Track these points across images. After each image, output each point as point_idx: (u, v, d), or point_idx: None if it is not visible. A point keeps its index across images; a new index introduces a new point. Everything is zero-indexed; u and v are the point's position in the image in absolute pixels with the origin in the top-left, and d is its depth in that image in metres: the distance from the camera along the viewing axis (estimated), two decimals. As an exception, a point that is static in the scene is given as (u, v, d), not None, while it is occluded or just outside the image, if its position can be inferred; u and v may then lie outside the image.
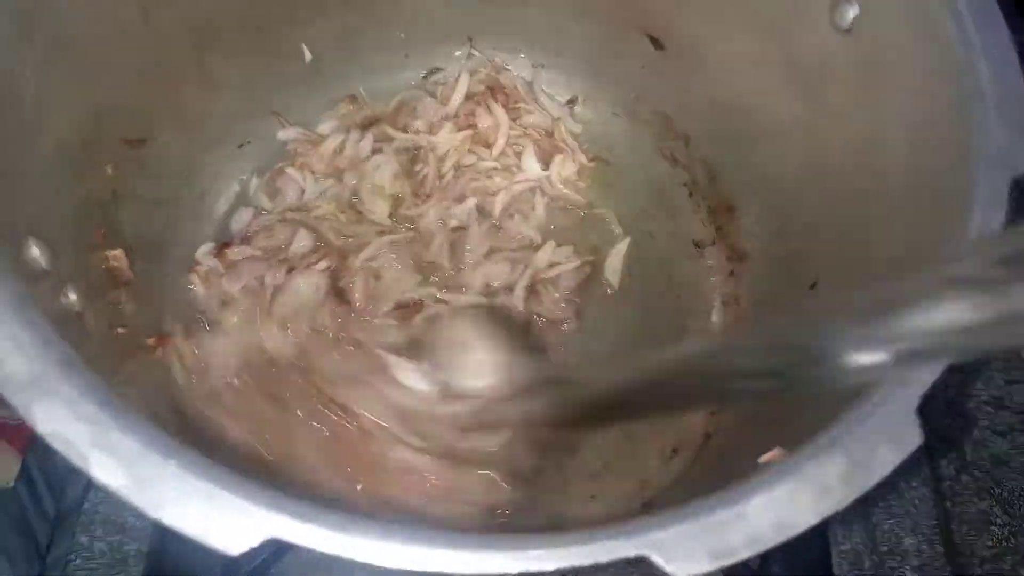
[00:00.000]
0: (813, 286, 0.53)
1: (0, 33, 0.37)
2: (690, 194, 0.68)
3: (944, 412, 0.71)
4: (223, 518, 0.27)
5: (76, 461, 0.28)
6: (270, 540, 0.27)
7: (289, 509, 0.27)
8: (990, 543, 0.67)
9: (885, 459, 0.30)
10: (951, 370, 0.33)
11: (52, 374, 0.29)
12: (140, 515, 0.62)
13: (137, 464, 0.28)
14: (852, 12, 0.47)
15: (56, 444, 0.28)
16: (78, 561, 0.63)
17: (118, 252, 0.49)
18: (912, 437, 0.31)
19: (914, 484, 0.68)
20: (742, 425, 0.53)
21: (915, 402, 0.31)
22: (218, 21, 0.56)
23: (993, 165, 0.37)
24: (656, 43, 0.64)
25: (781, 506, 0.29)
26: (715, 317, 0.63)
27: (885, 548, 0.61)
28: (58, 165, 0.43)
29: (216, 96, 0.60)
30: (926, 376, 0.32)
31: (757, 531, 0.28)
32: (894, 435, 0.31)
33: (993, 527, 0.68)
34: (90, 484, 0.67)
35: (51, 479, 0.94)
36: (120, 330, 0.47)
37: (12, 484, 0.86)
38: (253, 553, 0.27)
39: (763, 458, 0.33)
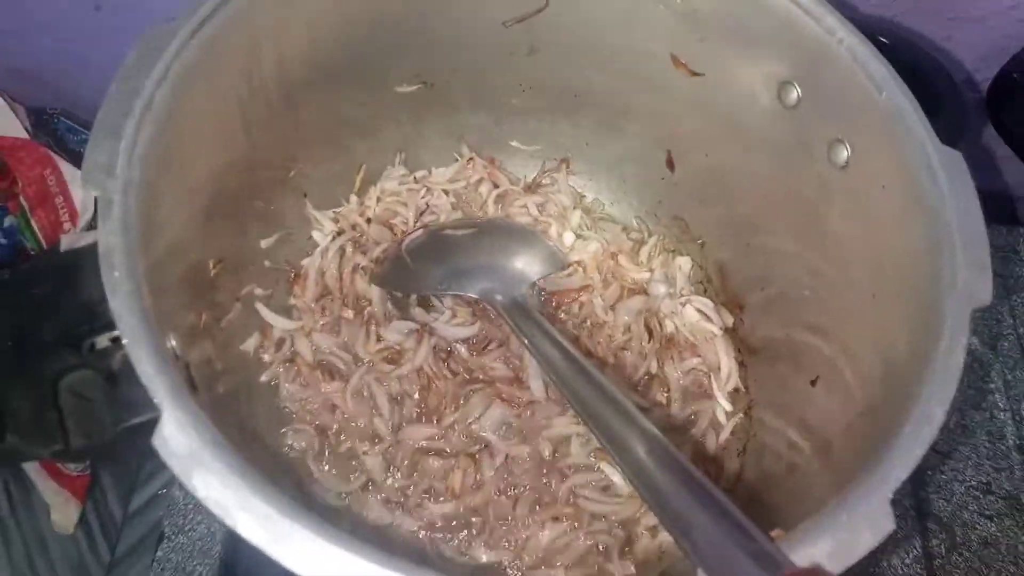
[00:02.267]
0: (814, 382, 0.61)
1: (147, 175, 0.46)
2: (705, 290, 0.77)
3: (937, 494, 0.78)
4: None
5: (226, 521, 0.36)
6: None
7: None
8: (977, 620, 0.73)
9: (865, 541, 0.38)
10: (940, 454, 0.40)
11: (206, 451, 0.37)
12: (208, 565, 0.70)
13: (274, 525, 0.36)
14: (845, 153, 0.56)
15: (211, 506, 0.36)
16: (149, 606, 0.70)
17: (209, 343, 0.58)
18: (886, 524, 0.38)
19: (907, 561, 0.75)
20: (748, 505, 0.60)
21: (889, 495, 0.39)
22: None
23: (959, 297, 0.46)
24: (670, 165, 0.74)
25: (779, 577, 0.36)
26: (724, 403, 0.70)
27: (878, 620, 0.67)
28: (183, 269, 0.52)
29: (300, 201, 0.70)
30: (900, 474, 0.39)
31: (759, 596, 0.36)
32: (872, 522, 0.38)
33: (981, 606, 0.74)
34: (160, 536, 0.74)
35: (107, 527, 1.01)
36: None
37: (72, 531, 0.92)
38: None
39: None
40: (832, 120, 0.57)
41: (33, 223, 0.89)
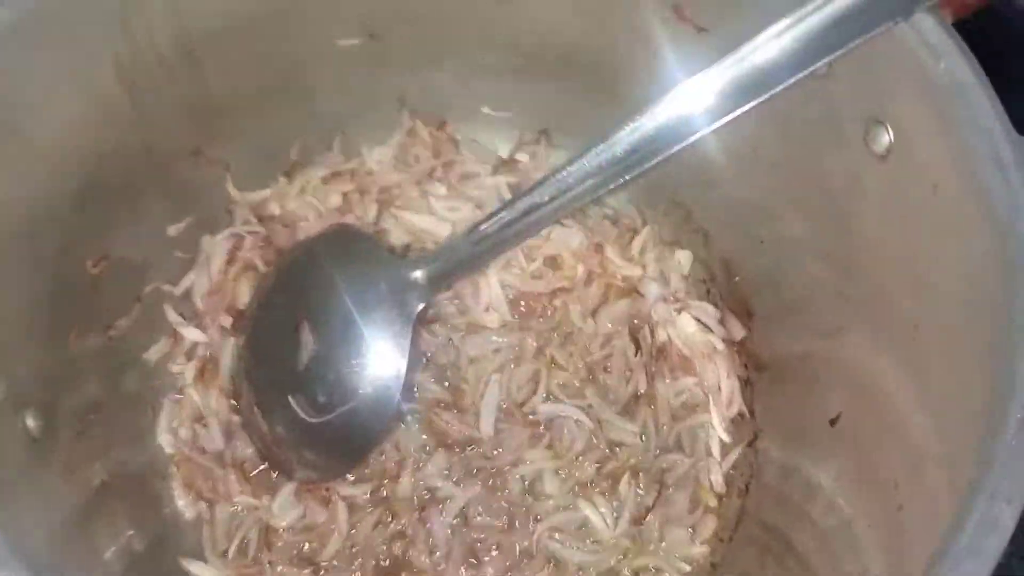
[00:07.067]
0: (834, 422, 0.49)
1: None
2: (708, 291, 0.65)
3: None
4: None
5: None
6: None
7: None
8: None
9: None
10: None
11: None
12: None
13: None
14: (886, 138, 0.44)
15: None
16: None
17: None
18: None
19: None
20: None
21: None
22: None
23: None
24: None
25: None
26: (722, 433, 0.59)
27: None
28: (32, 271, 0.41)
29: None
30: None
31: None
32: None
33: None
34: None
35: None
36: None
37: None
38: None
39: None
40: (871, 93, 0.44)
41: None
